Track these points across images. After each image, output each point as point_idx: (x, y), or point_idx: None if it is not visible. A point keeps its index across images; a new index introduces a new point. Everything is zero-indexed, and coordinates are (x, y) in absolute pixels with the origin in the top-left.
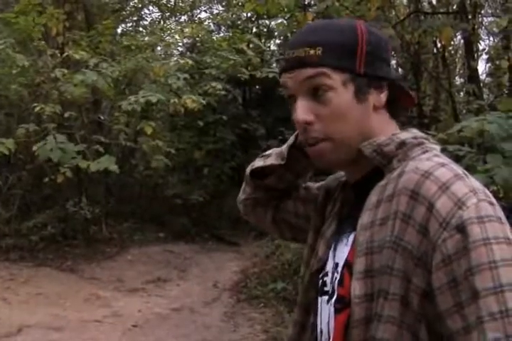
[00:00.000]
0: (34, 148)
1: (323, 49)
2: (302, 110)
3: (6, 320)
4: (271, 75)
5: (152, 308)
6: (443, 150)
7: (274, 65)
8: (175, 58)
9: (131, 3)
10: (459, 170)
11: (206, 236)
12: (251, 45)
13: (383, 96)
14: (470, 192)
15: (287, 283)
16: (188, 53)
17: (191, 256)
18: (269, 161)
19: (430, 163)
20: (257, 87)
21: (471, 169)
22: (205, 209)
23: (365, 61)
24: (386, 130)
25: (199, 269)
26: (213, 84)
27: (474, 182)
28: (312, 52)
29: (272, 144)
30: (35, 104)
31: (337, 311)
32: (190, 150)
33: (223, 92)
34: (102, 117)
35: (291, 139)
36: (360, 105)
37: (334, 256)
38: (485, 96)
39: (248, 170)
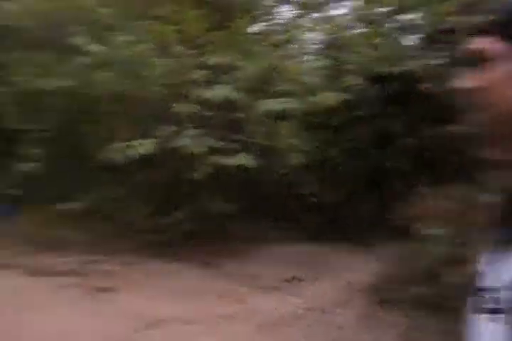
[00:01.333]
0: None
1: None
2: None
3: (142, 314)
4: (410, 70)
5: (286, 307)
6: None
7: (413, 60)
8: (311, 56)
9: (264, 3)
10: None
11: (341, 236)
12: (388, 41)
13: None
14: None
15: (425, 288)
16: (325, 51)
17: (325, 256)
18: None
19: None
20: (396, 83)
21: None
22: (340, 209)
23: None
24: None
25: (333, 269)
26: (351, 77)
27: None
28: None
29: (410, 142)
30: (175, 104)
31: None
32: (326, 148)
33: (361, 87)
34: (238, 116)
35: None
36: None
37: (499, 268)
38: None
39: None
